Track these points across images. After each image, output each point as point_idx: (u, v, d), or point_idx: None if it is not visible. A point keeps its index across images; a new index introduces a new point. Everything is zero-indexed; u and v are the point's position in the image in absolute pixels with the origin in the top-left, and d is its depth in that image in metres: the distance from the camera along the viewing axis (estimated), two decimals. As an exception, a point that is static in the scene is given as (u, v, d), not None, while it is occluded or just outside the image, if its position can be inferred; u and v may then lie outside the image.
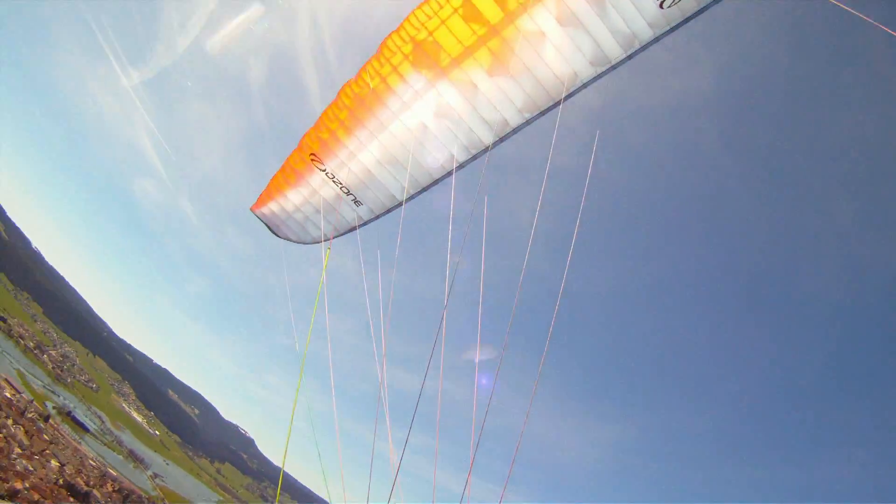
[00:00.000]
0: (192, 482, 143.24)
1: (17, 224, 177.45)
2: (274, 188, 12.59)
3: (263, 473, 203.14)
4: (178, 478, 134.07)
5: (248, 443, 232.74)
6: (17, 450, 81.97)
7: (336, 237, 12.72)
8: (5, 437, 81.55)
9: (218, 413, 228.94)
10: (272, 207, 12.79)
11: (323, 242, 12.70)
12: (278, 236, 13.13)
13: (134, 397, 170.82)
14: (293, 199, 12.57)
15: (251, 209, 12.94)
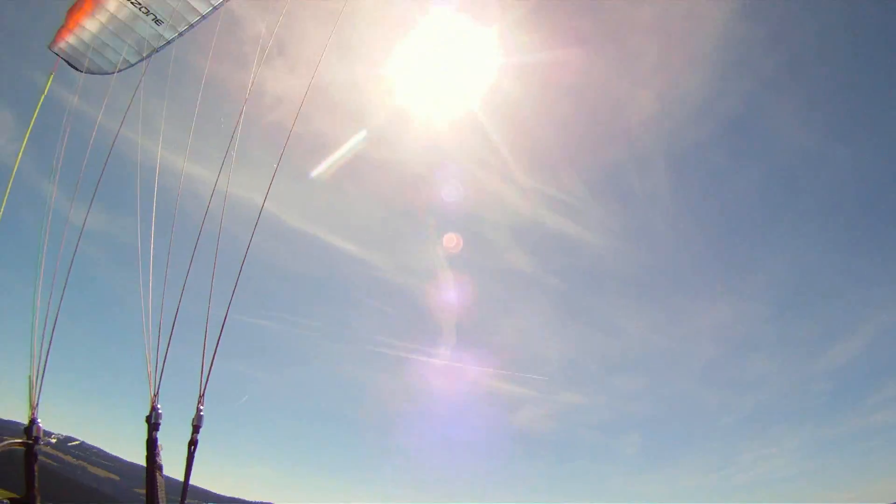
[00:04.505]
0: None
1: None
2: (71, 21, 12.31)
3: None
4: None
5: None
6: None
7: (139, 61, 12.62)
8: None
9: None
10: (70, 41, 12.54)
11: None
12: (80, 70, 12.79)
13: None
14: (91, 27, 12.34)
15: (49, 47, 12.56)
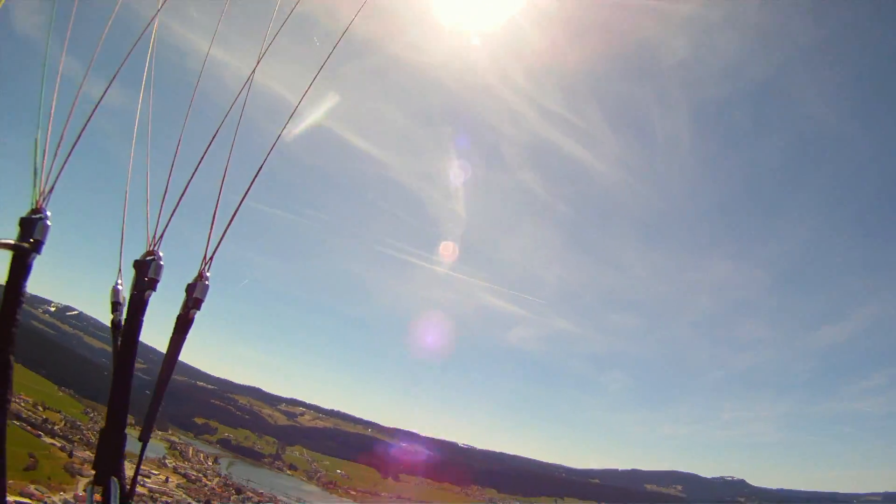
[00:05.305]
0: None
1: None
2: None
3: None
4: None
5: (739, 486, 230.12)
6: None
7: None
8: None
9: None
10: None
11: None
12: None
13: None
14: None
15: None
